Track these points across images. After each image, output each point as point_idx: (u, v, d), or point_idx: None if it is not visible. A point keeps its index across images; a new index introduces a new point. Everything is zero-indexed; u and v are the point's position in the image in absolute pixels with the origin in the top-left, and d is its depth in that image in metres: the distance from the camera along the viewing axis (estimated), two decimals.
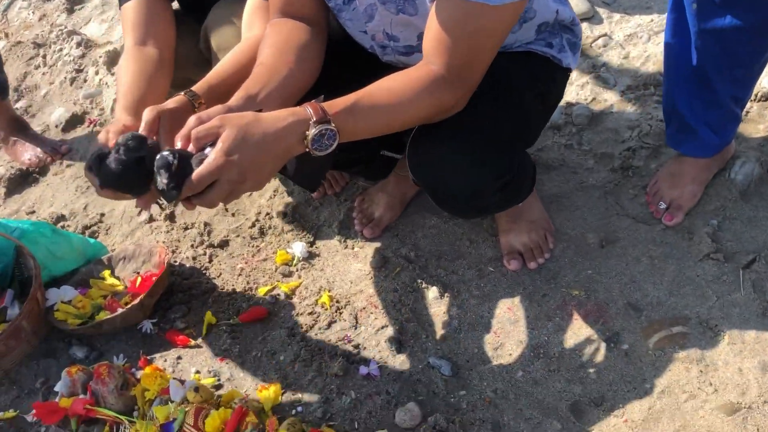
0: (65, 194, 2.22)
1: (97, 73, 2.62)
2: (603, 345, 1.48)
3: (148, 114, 1.23)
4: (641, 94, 1.99)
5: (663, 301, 1.54)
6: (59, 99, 2.64)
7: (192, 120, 1.12)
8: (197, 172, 1.06)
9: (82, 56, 2.73)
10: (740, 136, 1.81)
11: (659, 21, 2.13)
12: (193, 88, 1.34)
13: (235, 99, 1.21)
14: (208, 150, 1.09)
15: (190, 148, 1.09)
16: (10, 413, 1.57)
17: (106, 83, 2.57)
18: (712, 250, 1.60)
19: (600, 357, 1.47)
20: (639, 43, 2.13)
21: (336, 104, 1.13)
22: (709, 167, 1.69)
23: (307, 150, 1.12)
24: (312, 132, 1.09)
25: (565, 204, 1.80)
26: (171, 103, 1.29)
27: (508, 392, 1.44)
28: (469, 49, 1.17)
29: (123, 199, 1.19)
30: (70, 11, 3.04)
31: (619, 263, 1.63)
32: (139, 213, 2.03)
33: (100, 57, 2.64)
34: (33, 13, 3.06)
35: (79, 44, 2.75)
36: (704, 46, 1.47)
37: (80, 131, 2.48)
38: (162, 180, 1.08)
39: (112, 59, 2.64)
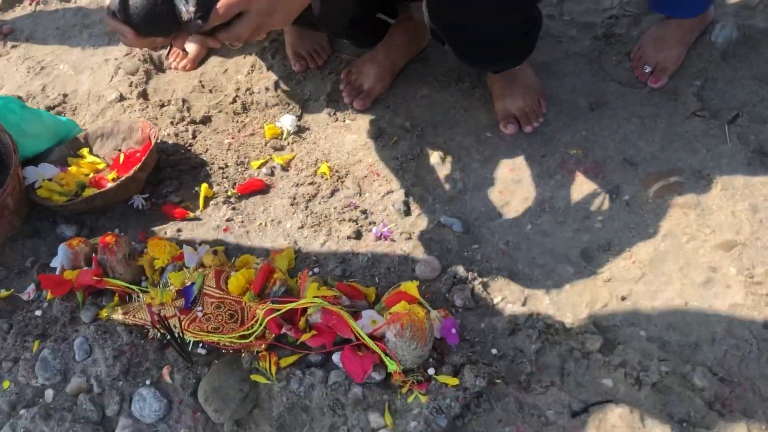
0: (16, 76, 2.06)
1: None
2: (605, 197, 1.54)
3: None
4: None
5: (657, 156, 1.60)
6: None
7: None
8: None
9: None
10: (717, 3, 1.87)
11: None
12: None
13: None
14: None
15: None
16: (4, 292, 1.49)
17: None
18: (698, 108, 1.67)
19: (603, 208, 1.53)
20: None
21: None
22: (692, 29, 1.74)
23: None
24: None
25: (552, 71, 1.82)
26: None
27: (520, 243, 1.48)
28: None
29: (155, 45, 1.11)
30: None
31: (611, 123, 1.68)
32: (169, 52, 1.99)
33: None
34: None
35: None
36: None
37: (20, 11, 2.28)
38: (188, 8, 1.01)
39: None
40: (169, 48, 1.99)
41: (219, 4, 1.00)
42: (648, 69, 1.73)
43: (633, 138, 1.65)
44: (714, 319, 1.32)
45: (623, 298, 1.37)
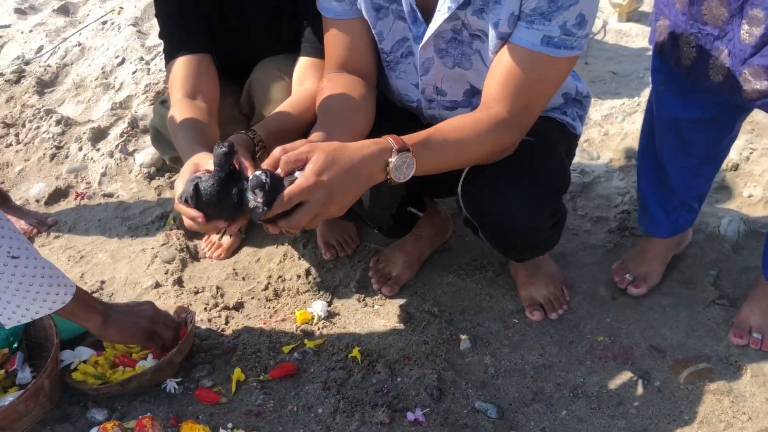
0: (57, 264, 2.14)
1: (80, 149, 2.60)
2: (637, 383, 1.56)
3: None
4: (624, 165, 2.19)
5: (683, 343, 1.64)
6: (37, 175, 2.58)
7: (278, 150, 1.17)
8: (289, 189, 1.11)
9: (62, 133, 2.71)
10: (720, 200, 2.01)
11: (630, 103, 2.38)
12: (252, 128, 1.39)
13: (313, 137, 1.27)
14: (297, 173, 1.14)
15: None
16: None
17: (91, 158, 2.56)
18: (716, 296, 1.74)
19: (636, 394, 1.54)
20: (615, 122, 2.36)
21: (413, 137, 1.22)
22: (668, 248, 1.83)
23: (388, 178, 1.19)
24: (394, 159, 1.17)
25: (571, 261, 1.92)
26: (236, 139, 1.33)
27: (556, 430, 1.48)
28: (529, 94, 1.30)
29: (214, 230, 1.20)
30: (41, 93, 3.03)
31: (634, 312, 1.74)
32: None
33: (84, 134, 2.64)
34: None
35: (58, 122, 2.74)
36: (662, 133, 1.66)
37: (65, 204, 2.43)
38: (255, 198, 1.11)
39: (96, 136, 2.65)
40: (206, 237, 2.11)
41: (284, 193, 1.10)
42: (630, 277, 1.80)
43: (657, 326, 1.69)
44: None
45: None
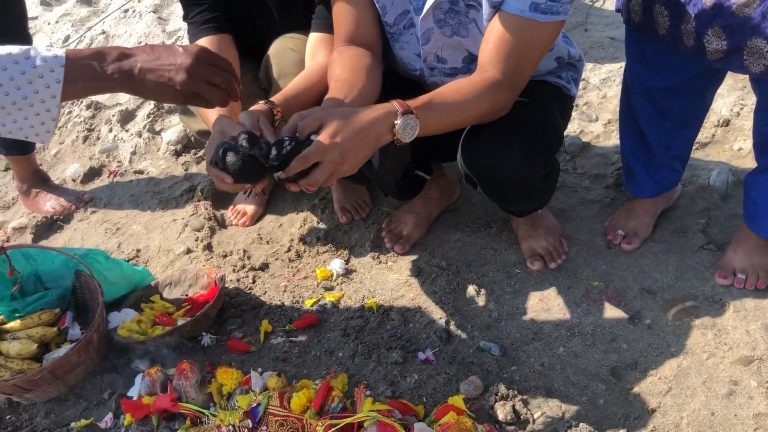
0: (95, 236, 2.33)
1: (110, 130, 2.78)
2: (628, 321, 1.70)
3: (246, 116, 1.41)
4: None
5: (672, 285, 1.78)
6: (72, 156, 2.77)
7: (295, 116, 1.32)
8: (306, 150, 1.25)
9: (93, 117, 2.89)
10: (710, 154, 2.13)
11: None
12: (270, 99, 1.54)
13: (325, 104, 1.42)
14: (313, 137, 1.29)
15: None
16: (83, 422, 1.64)
17: (122, 138, 2.73)
18: (704, 242, 1.87)
19: (627, 331, 1.68)
20: (612, 85, 2.47)
21: (416, 101, 1.36)
22: (656, 204, 1.95)
23: (394, 138, 1.33)
24: (399, 121, 1.31)
25: (571, 216, 2.05)
26: (257, 107, 1.48)
27: (554, 364, 1.63)
28: (520, 57, 1.43)
29: (245, 189, 1.35)
30: None
31: (628, 259, 1.88)
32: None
33: (113, 116, 2.81)
34: None
35: (88, 106, 2.91)
36: (638, 101, 1.78)
37: (99, 182, 2.61)
38: (278, 159, 1.25)
39: (125, 117, 2.82)
40: (232, 207, 2.27)
41: (299, 155, 1.24)
42: (621, 233, 1.92)
43: (648, 270, 1.83)
44: (740, 427, 1.43)
45: (653, 411, 1.49)
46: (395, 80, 1.74)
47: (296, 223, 2.20)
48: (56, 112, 1.22)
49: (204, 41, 1.73)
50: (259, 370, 1.69)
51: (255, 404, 1.52)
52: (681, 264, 1.83)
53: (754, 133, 1.68)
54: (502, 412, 1.50)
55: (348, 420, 1.42)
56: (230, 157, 1.28)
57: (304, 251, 2.09)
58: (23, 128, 1.22)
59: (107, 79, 1.23)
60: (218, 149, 1.31)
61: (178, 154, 2.62)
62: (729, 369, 1.55)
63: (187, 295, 1.95)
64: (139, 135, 2.72)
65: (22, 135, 1.24)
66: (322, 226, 2.15)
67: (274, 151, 1.26)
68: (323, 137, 1.26)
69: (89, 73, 1.21)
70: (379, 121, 1.31)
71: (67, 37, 3.54)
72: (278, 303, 1.91)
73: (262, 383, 1.58)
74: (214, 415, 1.55)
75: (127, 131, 2.76)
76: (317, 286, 1.96)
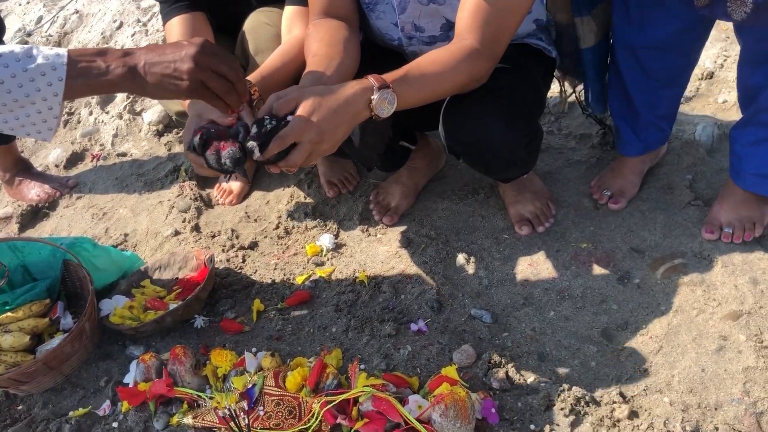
0: (82, 223, 2.31)
1: (91, 113, 2.74)
2: (617, 282, 1.71)
3: None
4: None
5: (660, 243, 1.78)
6: (53, 141, 2.73)
7: (272, 97, 1.30)
8: (283, 131, 1.24)
9: (72, 100, 2.84)
10: (695, 108, 2.12)
11: None
12: (247, 78, 1.52)
13: (303, 81, 1.40)
14: (290, 117, 1.27)
15: None
16: (81, 410, 1.65)
17: (102, 121, 2.70)
18: (691, 198, 1.87)
19: (617, 292, 1.69)
20: None
21: (392, 74, 1.34)
22: (643, 162, 1.94)
23: (372, 114, 1.31)
24: (376, 96, 1.29)
25: (557, 178, 2.05)
26: None
27: (545, 329, 1.64)
28: (498, 25, 1.41)
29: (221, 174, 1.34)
30: None
31: (616, 219, 1.88)
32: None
33: (93, 98, 2.77)
34: None
35: None
36: (623, 60, 1.75)
37: (82, 167, 2.58)
38: (255, 137, 1.24)
39: (105, 99, 2.78)
40: (218, 186, 2.26)
41: (276, 136, 1.23)
42: (608, 193, 1.92)
43: (636, 229, 1.83)
44: (730, 382, 1.45)
45: (645, 370, 1.51)
46: (374, 51, 1.72)
47: (283, 199, 2.19)
48: (58, 110, 1.22)
49: (177, 20, 1.70)
50: (254, 350, 1.70)
51: (251, 385, 1.53)
52: (668, 221, 1.83)
53: (739, 86, 1.67)
54: (495, 379, 1.51)
55: (343, 396, 1.43)
56: (209, 152, 1.27)
57: (293, 227, 2.08)
58: (25, 125, 1.23)
59: (111, 76, 1.22)
60: (195, 135, 1.29)
61: (160, 134, 2.59)
62: (718, 325, 1.56)
63: (177, 278, 1.95)
64: (120, 117, 2.68)
65: (24, 132, 1.25)
66: (309, 201, 2.14)
67: (252, 135, 1.25)
68: (299, 117, 1.25)
69: (92, 70, 1.21)
70: (356, 97, 1.29)
71: (40, 18, 3.47)
72: (269, 281, 1.91)
73: (257, 364, 1.59)
74: (210, 398, 1.56)
75: (107, 113, 2.73)
76: (307, 263, 1.96)
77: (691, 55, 1.72)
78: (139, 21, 3.15)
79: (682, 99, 2.16)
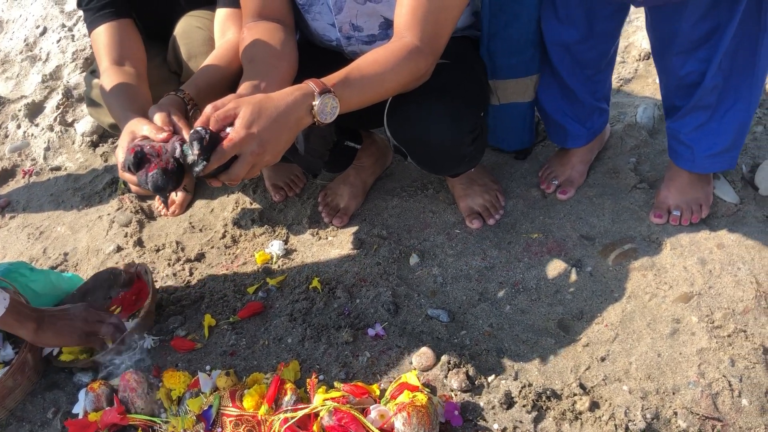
0: (17, 244, 2.21)
1: (19, 126, 2.62)
2: (570, 271, 1.71)
3: (157, 113, 1.33)
4: None
5: (609, 229, 1.79)
6: None
7: (209, 108, 1.25)
8: (221, 145, 1.19)
9: None
10: (635, 90, 2.14)
11: None
12: (181, 88, 1.46)
13: (241, 89, 1.35)
14: (228, 129, 1.22)
15: None
16: None
17: (32, 134, 2.57)
18: (637, 181, 1.89)
19: (570, 281, 1.69)
20: None
21: (332, 78, 1.30)
22: (591, 149, 1.96)
23: (315, 120, 1.27)
24: (317, 102, 1.25)
25: (505, 170, 2.04)
26: (167, 101, 1.40)
27: (503, 324, 1.63)
28: (437, 20, 1.38)
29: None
30: None
31: (564, 207, 1.88)
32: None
33: (19, 110, 2.64)
34: None
35: None
36: (557, 56, 1.75)
37: (14, 184, 2.46)
38: (193, 152, 1.19)
39: (33, 111, 2.65)
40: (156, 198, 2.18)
41: (216, 151, 1.18)
42: (556, 182, 1.93)
43: (585, 216, 1.84)
44: (685, 365, 1.47)
45: (602, 359, 1.51)
46: (312, 52, 1.67)
47: (228, 206, 2.13)
48: None
49: (103, 29, 1.61)
50: (208, 368, 1.65)
51: (207, 407, 1.49)
52: (616, 206, 1.85)
53: (667, 79, 1.67)
54: (456, 380, 1.50)
55: (303, 412, 1.40)
56: (140, 173, 1.21)
57: (240, 236, 2.02)
58: None
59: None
60: (129, 154, 1.23)
61: (95, 145, 2.49)
62: (671, 308, 1.58)
63: (110, 298, 1.87)
64: (51, 129, 2.57)
65: None
66: (255, 206, 2.09)
67: (189, 149, 1.20)
68: (238, 129, 1.20)
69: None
70: (296, 104, 1.25)
71: None
72: (219, 294, 1.86)
73: (212, 384, 1.54)
74: (166, 422, 1.51)
75: (37, 126, 2.61)
76: (258, 271, 1.91)
77: (617, 36, 1.73)
78: (64, 26, 3.01)
79: (621, 81, 2.19)
